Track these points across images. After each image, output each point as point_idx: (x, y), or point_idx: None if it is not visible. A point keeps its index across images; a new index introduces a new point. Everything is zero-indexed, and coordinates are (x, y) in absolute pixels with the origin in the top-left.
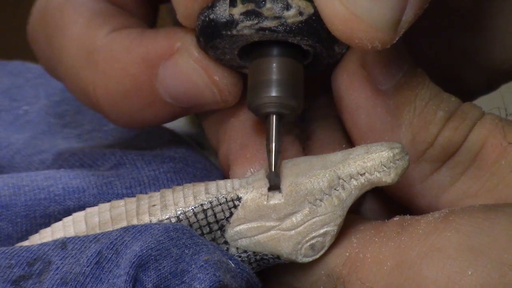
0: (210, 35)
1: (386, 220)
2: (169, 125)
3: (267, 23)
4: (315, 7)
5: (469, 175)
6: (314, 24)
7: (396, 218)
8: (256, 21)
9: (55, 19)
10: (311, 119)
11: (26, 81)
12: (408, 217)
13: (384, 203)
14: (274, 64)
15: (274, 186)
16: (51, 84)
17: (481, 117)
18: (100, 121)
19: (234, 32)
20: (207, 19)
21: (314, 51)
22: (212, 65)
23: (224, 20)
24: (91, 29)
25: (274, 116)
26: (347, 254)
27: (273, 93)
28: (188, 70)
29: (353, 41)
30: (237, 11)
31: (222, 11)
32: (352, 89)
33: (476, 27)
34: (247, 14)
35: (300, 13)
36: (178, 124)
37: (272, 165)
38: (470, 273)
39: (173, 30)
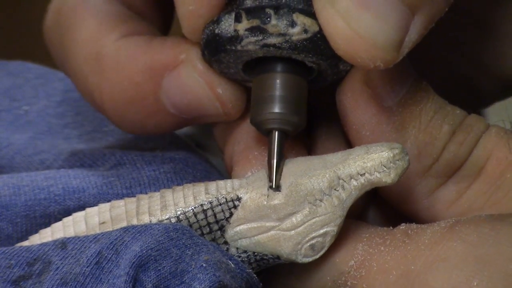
0: (214, 49)
1: (391, 228)
2: None
3: (271, 40)
4: (320, 25)
5: (474, 189)
6: (319, 42)
7: (402, 226)
8: (260, 38)
9: (68, 19)
10: (317, 128)
11: (26, 81)
12: (414, 225)
13: (388, 212)
14: (278, 80)
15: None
16: (51, 84)
17: (486, 130)
18: (100, 122)
19: (239, 47)
20: (212, 33)
21: (319, 68)
22: (216, 78)
23: (229, 35)
24: (100, 33)
25: (277, 132)
26: (353, 262)
27: (276, 110)
28: (191, 82)
29: (356, 60)
30: (242, 26)
31: (227, 26)
32: (357, 107)
33: (488, 33)
34: (252, 30)
35: (305, 31)
36: None
37: (273, 181)
38: (475, 283)
39: (179, 41)
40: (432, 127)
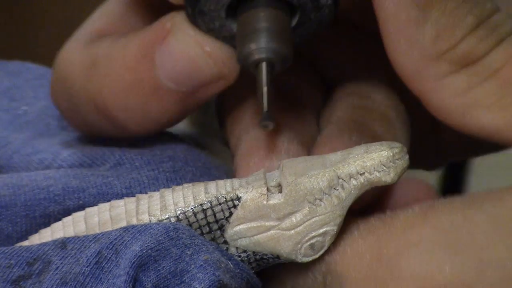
0: None
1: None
2: None
3: None
4: None
5: (485, 87)
6: None
7: (377, 214)
8: None
9: (63, 62)
10: (324, 121)
11: (25, 81)
12: (388, 212)
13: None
14: (262, 14)
15: (268, 122)
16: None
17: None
18: None
19: None
20: None
21: (299, 2)
22: (205, 37)
23: None
24: (92, 47)
25: (264, 63)
26: (327, 249)
27: (262, 39)
28: (181, 46)
29: None
30: None
31: None
32: None
33: None
34: None
35: None
36: (178, 125)
37: (265, 106)
38: (447, 269)
39: (164, 16)
40: (456, 14)
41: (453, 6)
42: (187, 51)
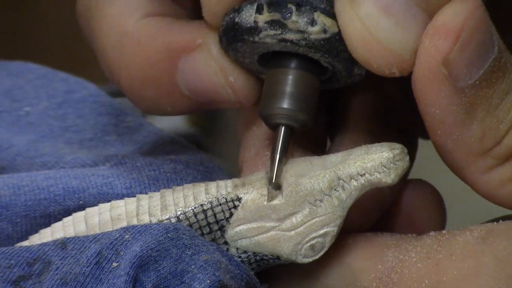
0: (232, 38)
1: (415, 235)
2: (169, 124)
3: (290, 36)
4: (339, 27)
5: None
6: (337, 44)
7: (432, 233)
8: (279, 32)
9: None
10: (341, 131)
11: (27, 81)
12: (444, 232)
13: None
14: (290, 76)
15: (274, 191)
16: (52, 85)
17: None
18: (101, 129)
19: (256, 39)
20: (232, 21)
21: (333, 69)
22: (230, 66)
23: (248, 25)
24: (125, 12)
25: (283, 128)
26: (383, 268)
27: (285, 105)
28: (205, 67)
29: (371, 65)
30: (262, 19)
31: (248, 16)
32: (430, 87)
33: None
34: (271, 23)
35: (324, 31)
36: (178, 124)
37: (273, 176)
38: None
39: (198, 26)
40: (500, 110)
41: (497, 102)
42: (210, 75)
